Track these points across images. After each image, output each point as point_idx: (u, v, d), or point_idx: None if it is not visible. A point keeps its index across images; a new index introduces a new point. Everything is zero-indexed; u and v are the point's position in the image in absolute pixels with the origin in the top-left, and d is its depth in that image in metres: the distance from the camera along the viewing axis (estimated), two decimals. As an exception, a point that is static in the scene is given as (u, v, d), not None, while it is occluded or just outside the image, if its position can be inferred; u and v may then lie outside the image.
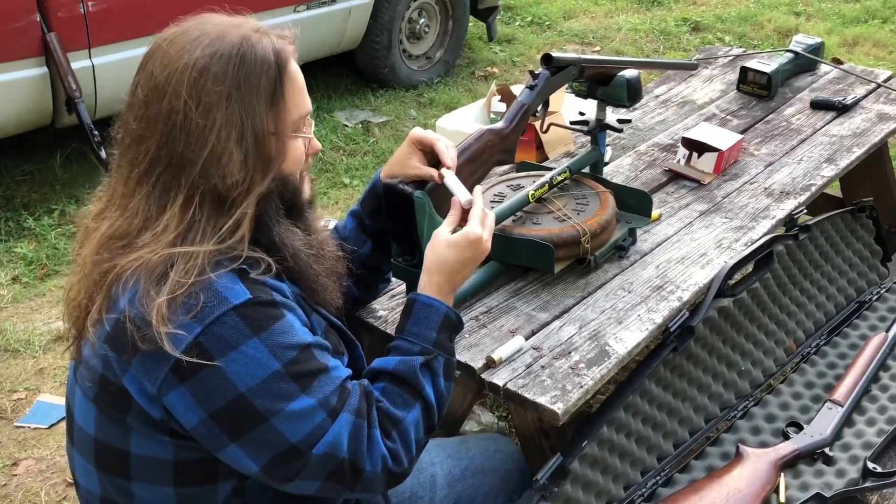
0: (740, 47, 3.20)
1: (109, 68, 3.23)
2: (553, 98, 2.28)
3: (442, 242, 1.24)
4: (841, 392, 1.68)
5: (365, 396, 1.10)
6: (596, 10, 5.92)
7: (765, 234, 1.77)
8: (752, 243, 1.73)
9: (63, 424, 2.39)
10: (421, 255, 1.32)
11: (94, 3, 3.15)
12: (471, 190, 1.47)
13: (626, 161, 2.13)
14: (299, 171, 1.17)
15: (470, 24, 4.89)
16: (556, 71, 1.62)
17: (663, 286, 1.61)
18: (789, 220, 1.83)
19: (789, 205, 1.88)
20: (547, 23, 5.64)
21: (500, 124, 1.55)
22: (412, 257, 1.42)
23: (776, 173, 2.03)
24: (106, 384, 1.05)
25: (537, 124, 2.19)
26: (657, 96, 2.57)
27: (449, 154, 1.34)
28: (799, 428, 1.62)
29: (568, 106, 2.36)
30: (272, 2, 3.70)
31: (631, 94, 1.73)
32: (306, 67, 4.10)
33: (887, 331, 1.87)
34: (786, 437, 1.61)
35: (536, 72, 1.63)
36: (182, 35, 1.07)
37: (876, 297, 2.01)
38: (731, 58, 2.79)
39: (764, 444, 1.60)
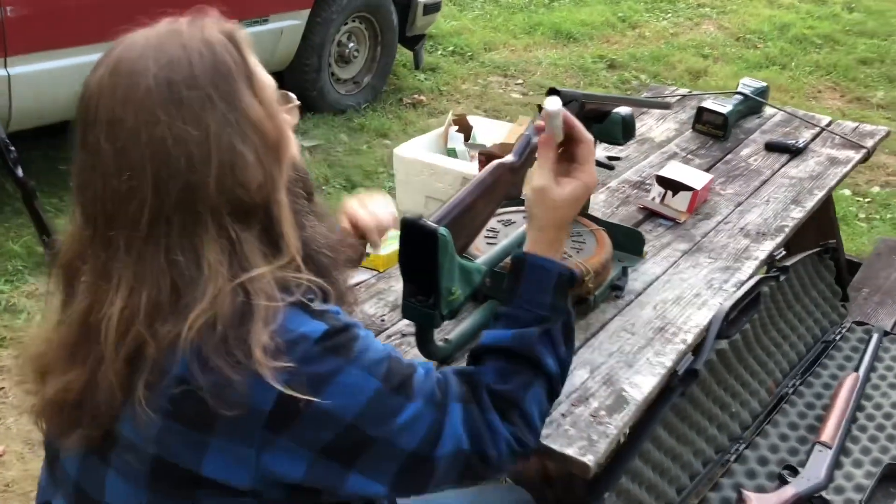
0: (683, 88, 3.28)
1: (27, 79, 2.98)
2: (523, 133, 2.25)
3: (556, 193, 1.17)
4: (827, 434, 1.70)
5: (464, 380, 1.04)
6: (515, 43, 6.00)
7: (751, 275, 1.78)
8: (741, 284, 1.73)
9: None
10: (437, 296, 1.25)
11: (12, 9, 2.91)
12: (481, 228, 1.41)
13: (601, 197, 2.12)
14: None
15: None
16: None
17: (665, 328, 1.58)
18: (771, 261, 1.85)
19: (768, 245, 1.90)
20: (469, 53, 5.66)
21: (511, 158, 1.49)
22: (427, 297, 1.33)
23: (748, 213, 2.05)
24: (164, 466, 0.91)
25: (511, 157, 2.15)
26: (613, 132, 2.58)
27: (381, 224, 1.41)
28: (793, 471, 1.62)
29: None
30: (202, 17, 3.53)
31: (626, 132, 1.71)
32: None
33: (857, 370, 1.92)
34: (782, 480, 1.60)
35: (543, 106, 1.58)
36: (119, 67, 0.92)
37: (839, 336, 2.07)
38: (678, 98, 2.85)
39: (761, 488, 1.59)
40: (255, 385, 0.87)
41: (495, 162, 1.49)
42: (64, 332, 0.97)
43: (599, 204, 2.09)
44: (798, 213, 2.07)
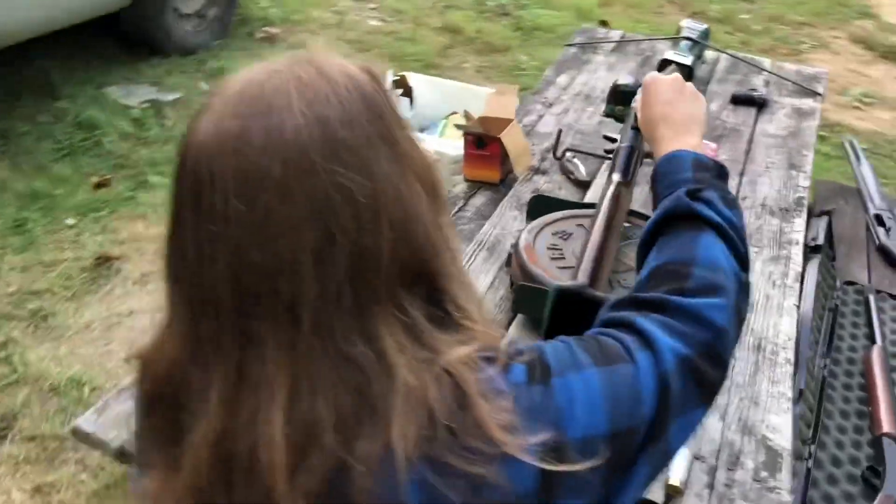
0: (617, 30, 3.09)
1: None
2: (506, 105, 1.98)
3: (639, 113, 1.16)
4: (888, 424, 1.65)
5: (623, 305, 0.84)
6: (356, -42, 5.50)
7: (803, 265, 1.67)
8: (799, 277, 1.62)
9: None
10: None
11: None
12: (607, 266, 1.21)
13: (603, 181, 1.90)
14: None
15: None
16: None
17: (762, 346, 1.43)
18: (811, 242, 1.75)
19: (799, 224, 1.80)
20: (310, -28, 5.12)
21: (619, 177, 1.25)
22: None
23: (758, 186, 1.93)
24: None
25: (506, 140, 1.88)
26: (565, 88, 2.36)
27: None
28: (874, 472, 1.56)
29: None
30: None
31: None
32: (59, 35, 3.28)
33: (871, 340, 1.90)
34: (867, 482, 1.54)
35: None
36: (248, 105, 0.67)
37: (839, 301, 2.03)
38: (614, 43, 2.67)
39: (848, 495, 1.52)
40: (510, 468, 0.67)
41: (610, 191, 1.25)
42: (188, 478, 0.69)
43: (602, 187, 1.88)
44: (804, 181, 1.98)
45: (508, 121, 1.94)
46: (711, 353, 0.80)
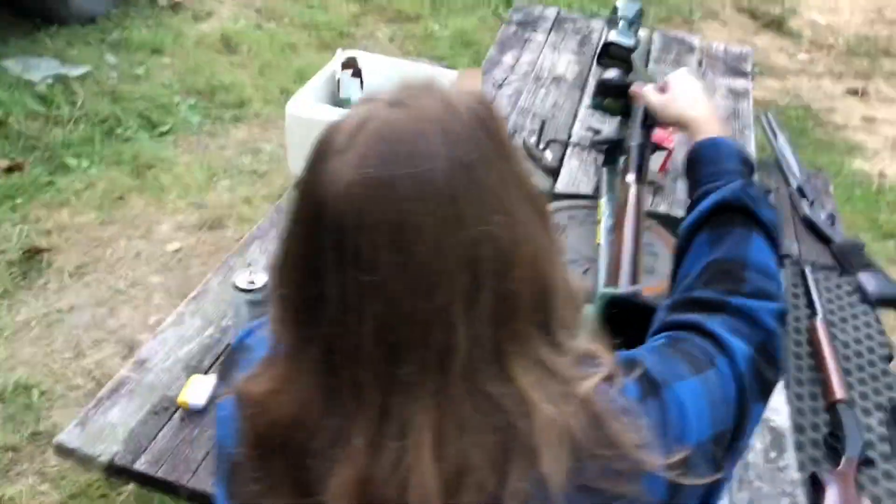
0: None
1: None
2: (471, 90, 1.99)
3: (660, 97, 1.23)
4: (840, 391, 1.79)
5: (683, 305, 0.89)
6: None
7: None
8: (765, 258, 1.72)
9: None
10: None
11: None
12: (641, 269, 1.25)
13: (573, 163, 1.95)
14: None
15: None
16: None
17: (747, 328, 1.52)
18: (768, 225, 1.86)
19: (755, 206, 1.90)
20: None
21: (632, 177, 1.29)
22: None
23: (712, 167, 2.02)
24: None
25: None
26: (512, 67, 2.38)
27: None
28: (835, 437, 1.69)
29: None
30: None
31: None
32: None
33: (810, 309, 2.04)
34: (830, 447, 1.67)
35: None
36: (392, 149, 0.66)
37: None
38: (550, 20, 2.70)
39: (814, 461, 1.65)
40: (647, 483, 0.71)
41: (633, 193, 1.28)
42: None
43: (574, 169, 1.92)
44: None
45: (475, 107, 1.94)
46: (767, 353, 0.85)
